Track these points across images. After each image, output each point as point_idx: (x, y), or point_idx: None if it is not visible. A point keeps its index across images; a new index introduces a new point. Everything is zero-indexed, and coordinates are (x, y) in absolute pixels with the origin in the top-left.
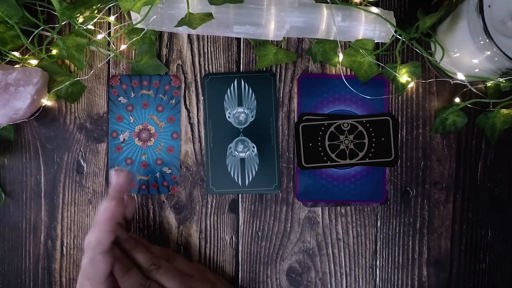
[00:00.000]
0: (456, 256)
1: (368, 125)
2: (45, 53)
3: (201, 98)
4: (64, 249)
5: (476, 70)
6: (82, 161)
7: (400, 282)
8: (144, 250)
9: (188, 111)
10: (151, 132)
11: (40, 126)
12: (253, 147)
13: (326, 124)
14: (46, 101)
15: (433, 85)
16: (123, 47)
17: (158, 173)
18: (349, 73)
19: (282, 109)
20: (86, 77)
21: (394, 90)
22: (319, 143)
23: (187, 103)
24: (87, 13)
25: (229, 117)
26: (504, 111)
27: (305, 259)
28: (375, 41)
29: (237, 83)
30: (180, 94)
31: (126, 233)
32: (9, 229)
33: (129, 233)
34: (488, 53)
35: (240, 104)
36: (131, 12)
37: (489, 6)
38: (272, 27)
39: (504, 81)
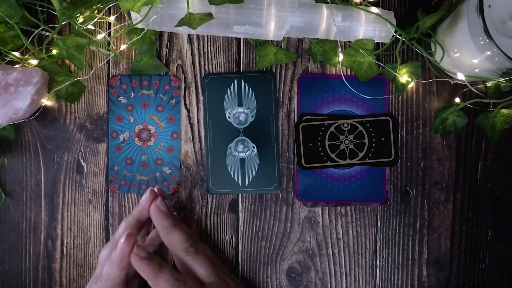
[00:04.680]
0: (456, 256)
1: (368, 125)
2: (45, 53)
3: (201, 98)
4: (64, 249)
5: (476, 70)
6: (82, 161)
7: (400, 282)
8: (183, 229)
9: (188, 111)
10: (151, 132)
11: (40, 126)
12: (253, 147)
13: (326, 124)
14: (46, 101)
15: (433, 85)
16: (123, 47)
17: (158, 173)
18: (349, 73)
19: (282, 109)
20: (86, 77)
21: (394, 90)
22: (319, 143)
23: (187, 103)
24: (87, 13)
25: (229, 117)
26: (504, 111)
27: (305, 259)
28: (375, 41)
29: (237, 83)
30: (180, 94)
31: (168, 208)
32: (9, 229)
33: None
34: (488, 53)
35: (240, 104)
36: (131, 12)
37: (489, 6)
38: (272, 27)
39: (504, 81)
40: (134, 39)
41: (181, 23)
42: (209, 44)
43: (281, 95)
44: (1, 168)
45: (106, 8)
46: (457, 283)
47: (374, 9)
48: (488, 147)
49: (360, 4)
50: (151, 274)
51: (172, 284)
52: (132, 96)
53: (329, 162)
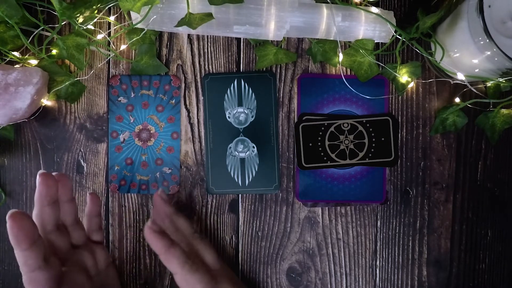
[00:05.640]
0: (456, 256)
1: (368, 125)
2: (45, 53)
3: (201, 98)
4: None
5: (476, 70)
6: (82, 161)
7: (400, 282)
8: (187, 218)
9: (188, 111)
10: (151, 132)
11: (40, 126)
12: (253, 147)
13: (326, 124)
14: (46, 101)
15: (433, 85)
16: (123, 47)
17: (158, 173)
18: (349, 73)
19: (282, 109)
20: (86, 77)
21: (394, 90)
22: (319, 143)
23: (187, 103)
24: (87, 13)
25: (229, 117)
26: (504, 111)
27: (305, 259)
28: (375, 41)
29: (237, 83)
30: (180, 94)
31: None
32: None
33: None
34: (488, 53)
35: (240, 104)
36: (131, 12)
37: (489, 6)
38: (272, 27)
39: (504, 81)
40: (134, 39)
41: (181, 23)
42: (209, 44)
43: (281, 95)
44: (1, 168)
45: (106, 8)
46: (457, 283)
47: (374, 9)
48: (488, 147)
49: (360, 4)
50: (162, 249)
51: (184, 261)
52: (132, 96)
53: (329, 162)
